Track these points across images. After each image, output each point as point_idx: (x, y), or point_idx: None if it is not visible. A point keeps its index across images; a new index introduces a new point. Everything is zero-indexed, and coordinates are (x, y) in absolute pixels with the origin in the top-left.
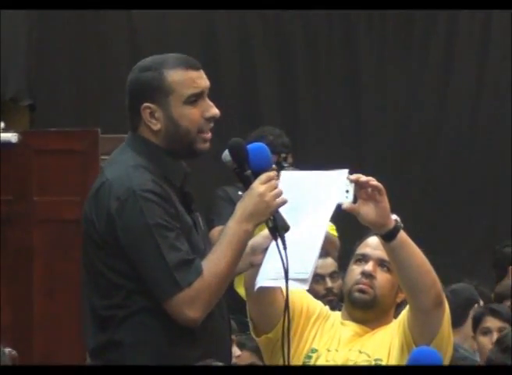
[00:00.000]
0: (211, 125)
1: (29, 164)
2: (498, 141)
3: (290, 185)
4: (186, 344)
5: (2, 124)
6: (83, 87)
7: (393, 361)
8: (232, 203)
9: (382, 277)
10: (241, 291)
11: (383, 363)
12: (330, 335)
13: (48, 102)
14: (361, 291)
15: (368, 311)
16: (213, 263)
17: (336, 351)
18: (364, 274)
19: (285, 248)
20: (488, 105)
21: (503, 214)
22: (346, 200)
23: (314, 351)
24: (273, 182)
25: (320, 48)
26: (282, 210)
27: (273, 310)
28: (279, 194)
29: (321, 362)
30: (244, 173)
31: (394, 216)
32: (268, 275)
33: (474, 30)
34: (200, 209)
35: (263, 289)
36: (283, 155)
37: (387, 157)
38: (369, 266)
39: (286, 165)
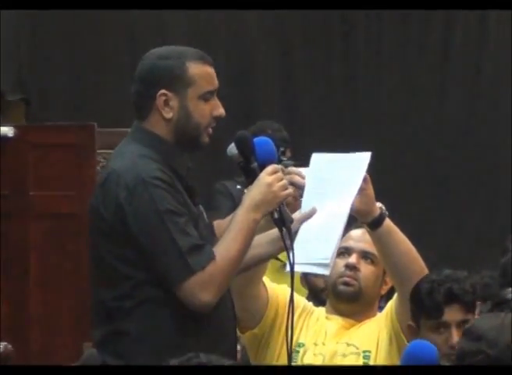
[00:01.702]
0: (214, 124)
1: (25, 158)
2: (496, 132)
3: (320, 167)
4: (191, 334)
5: None
6: (79, 81)
7: (382, 352)
8: (231, 197)
9: (365, 269)
10: None
11: (372, 355)
12: (316, 329)
13: (44, 96)
14: (346, 283)
15: (352, 303)
16: (224, 249)
17: (323, 344)
18: (348, 267)
19: (291, 240)
20: (486, 100)
21: (500, 207)
22: None
23: (301, 345)
24: (280, 173)
25: (318, 42)
26: (311, 193)
27: (257, 305)
28: (286, 185)
29: (308, 356)
30: (251, 166)
31: (379, 204)
32: (297, 259)
33: (472, 17)
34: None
35: (246, 284)
36: (282, 149)
37: (386, 151)
38: (353, 259)
39: (284, 159)
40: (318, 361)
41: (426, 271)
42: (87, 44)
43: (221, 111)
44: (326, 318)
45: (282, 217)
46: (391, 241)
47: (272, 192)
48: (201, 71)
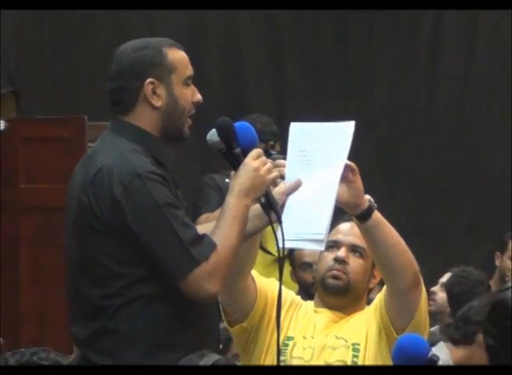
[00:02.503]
0: (193, 111)
1: (15, 151)
2: (486, 126)
3: (301, 138)
4: (179, 331)
5: None
6: (70, 74)
7: (371, 345)
8: (220, 191)
9: (354, 263)
10: None
11: (361, 347)
12: (304, 323)
13: (34, 89)
14: (335, 277)
15: (341, 297)
16: (224, 237)
17: (312, 338)
18: (337, 260)
19: (280, 223)
20: (476, 93)
21: (489, 201)
22: None
23: (290, 338)
24: (264, 157)
25: (308, 37)
26: (294, 164)
27: (245, 299)
28: (271, 168)
29: (297, 349)
30: (233, 152)
31: (367, 197)
32: (288, 235)
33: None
34: (186, 196)
35: (235, 277)
36: (271, 143)
37: (377, 145)
38: (342, 252)
39: (273, 152)
40: (307, 354)
41: (415, 264)
42: (78, 38)
43: (199, 96)
44: (315, 311)
45: (270, 201)
46: (380, 233)
47: (259, 176)
48: (179, 56)
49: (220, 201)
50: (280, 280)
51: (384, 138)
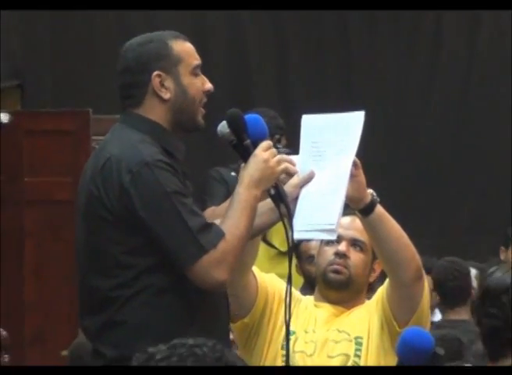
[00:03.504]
0: (205, 100)
1: (20, 145)
2: (488, 125)
3: (312, 129)
4: (187, 322)
5: None
6: (74, 67)
7: (373, 339)
8: (226, 184)
9: (355, 257)
10: None
11: (364, 341)
12: (305, 317)
13: (39, 83)
14: (336, 271)
15: (342, 291)
16: (232, 226)
17: (314, 332)
18: (338, 255)
19: (290, 216)
20: (479, 90)
21: (489, 197)
22: None
23: (291, 333)
24: (273, 149)
25: (313, 33)
26: (307, 156)
27: (247, 294)
28: (281, 160)
29: (299, 343)
30: (244, 143)
31: (370, 191)
32: (301, 226)
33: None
34: (193, 189)
35: (236, 272)
36: (277, 137)
37: (378, 142)
38: (342, 246)
39: (279, 146)
40: (309, 348)
41: (418, 258)
42: (82, 32)
43: (209, 85)
44: (315, 306)
45: (279, 192)
46: (382, 227)
47: (269, 168)
48: (184, 47)
49: (226, 195)
50: (289, 273)
51: (384, 137)
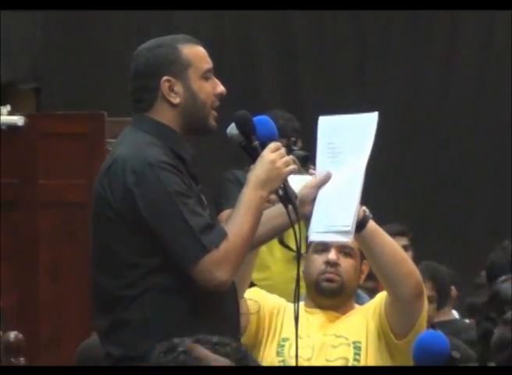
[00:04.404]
0: (218, 104)
1: (34, 147)
2: (498, 129)
3: (328, 130)
4: (192, 320)
5: (8, 107)
6: (89, 70)
7: (371, 345)
8: (241, 186)
9: (345, 264)
10: None
11: (362, 345)
12: None
13: (54, 85)
14: (329, 280)
15: (335, 298)
16: (236, 227)
17: (308, 336)
18: (329, 263)
19: (298, 216)
20: (491, 97)
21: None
22: None
23: (285, 340)
24: (282, 150)
25: (327, 34)
26: (323, 157)
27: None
28: (289, 162)
29: (294, 349)
30: (252, 145)
31: (362, 207)
32: (318, 228)
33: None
34: (207, 192)
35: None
36: (293, 139)
37: (390, 141)
38: (332, 255)
39: (295, 148)
40: (305, 353)
41: (417, 273)
42: (99, 35)
43: (222, 88)
44: (306, 311)
45: (287, 194)
46: (375, 242)
47: (276, 169)
48: (194, 51)
49: None
50: (297, 276)
51: (397, 137)
